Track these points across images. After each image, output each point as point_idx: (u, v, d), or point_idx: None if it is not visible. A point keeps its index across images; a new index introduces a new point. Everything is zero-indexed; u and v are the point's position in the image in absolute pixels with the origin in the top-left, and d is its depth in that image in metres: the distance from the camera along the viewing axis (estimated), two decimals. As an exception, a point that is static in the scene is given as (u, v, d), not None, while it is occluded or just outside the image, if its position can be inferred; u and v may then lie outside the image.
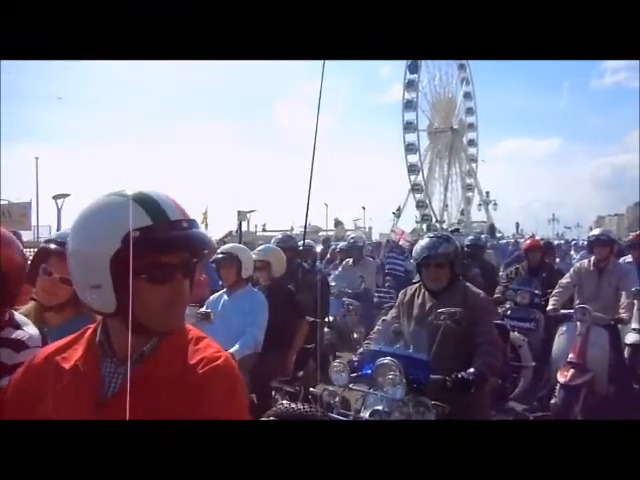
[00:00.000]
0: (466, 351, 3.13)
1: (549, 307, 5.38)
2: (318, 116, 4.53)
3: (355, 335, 6.83)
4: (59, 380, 1.22)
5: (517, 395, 5.26)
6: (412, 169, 74.25)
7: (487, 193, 77.23)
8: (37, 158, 34.65)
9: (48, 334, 1.78)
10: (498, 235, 40.53)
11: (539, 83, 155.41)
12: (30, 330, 1.74)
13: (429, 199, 74.92)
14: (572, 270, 5.69)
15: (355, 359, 3.26)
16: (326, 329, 5.89)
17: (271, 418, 3.07)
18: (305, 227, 4.72)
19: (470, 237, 8.25)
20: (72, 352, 1.26)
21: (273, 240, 6.08)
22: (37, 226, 26.37)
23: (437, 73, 74.33)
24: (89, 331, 1.28)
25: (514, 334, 5.40)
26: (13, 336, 1.67)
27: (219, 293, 4.62)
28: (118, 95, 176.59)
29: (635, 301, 5.63)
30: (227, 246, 4.87)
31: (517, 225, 55.14)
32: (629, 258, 7.06)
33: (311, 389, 4.70)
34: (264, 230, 45.68)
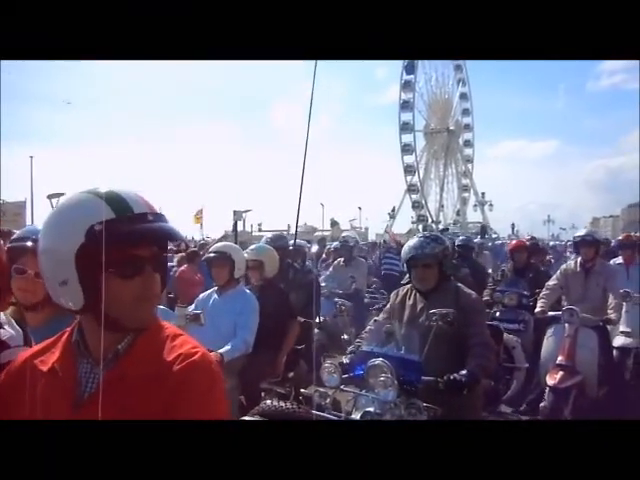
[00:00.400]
0: (458, 352, 3.11)
1: (537, 309, 5.34)
2: (310, 117, 4.52)
3: (345, 336, 6.80)
4: (37, 383, 1.21)
5: (510, 397, 5.23)
6: (408, 170, 74.39)
7: (483, 194, 77.49)
8: (32, 157, 34.56)
9: (33, 334, 1.76)
10: (494, 236, 40.59)
11: (535, 85, 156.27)
12: (11, 329, 1.72)
13: (425, 200, 75.08)
14: (559, 272, 5.63)
15: (346, 360, 3.24)
16: (316, 330, 5.86)
17: (255, 417, 3.05)
18: (296, 227, 4.71)
19: (460, 237, 8.24)
20: (50, 355, 1.25)
21: (264, 239, 6.06)
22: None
23: (433, 74, 74.65)
24: (67, 333, 1.28)
25: (508, 335, 5.37)
26: None
27: (209, 292, 4.54)
28: (114, 95, 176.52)
29: (624, 303, 5.62)
30: (219, 245, 4.81)
31: (513, 226, 55.18)
32: (619, 260, 7.05)
33: (302, 390, 4.68)
34: (260, 230, 45.67)
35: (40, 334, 1.55)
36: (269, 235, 6.26)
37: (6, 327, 1.72)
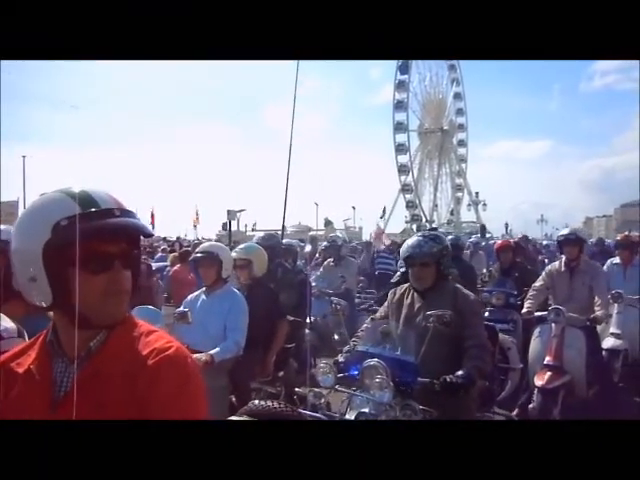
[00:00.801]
0: (454, 354, 3.11)
1: (524, 310, 5.31)
2: (293, 116, 4.53)
3: (336, 336, 6.78)
4: (13, 386, 1.20)
5: (504, 397, 5.21)
6: (402, 169, 74.42)
7: (477, 194, 77.55)
8: (24, 157, 34.42)
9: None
10: (487, 235, 40.70)
11: (529, 85, 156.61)
12: (5, 323, 1.74)
13: (419, 199, 75.11)
14: (544, 273, 5.60)
15: (341, 359, 3.22)
16: (306, 330, 5.86)
17: (243, 417, 3.03)
18: (283, 226, 4.72)
19: (449, 237, 8.25)
20: (26, 357, 1.25)
21: (255, 238, 6.06)
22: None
23: (427, 74, 74.67)
24: (43, 334, 1.27)
25: (503, 336, 5.36)
26: None
27: (197, 292, 4.52)
28: (111, 95, 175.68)
29: (615, 304, 5.63)
30: (206, 245, 4.79)
31: (506, 225, 55.32)
32: (616, 259, 7.06)
33: (297, 389, 4.68)
34: (254, 230, 45.60)
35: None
36: (261, 234, 6.27)
37: (1, 321, 1.74)
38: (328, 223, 49.83)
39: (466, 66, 75.65)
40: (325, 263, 8.14)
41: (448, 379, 2.87)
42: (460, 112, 78.74)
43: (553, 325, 4.84)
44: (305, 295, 5.95)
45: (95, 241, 1.13)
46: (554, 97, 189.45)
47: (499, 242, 7.80)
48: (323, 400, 3.01)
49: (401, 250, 3.52)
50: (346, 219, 55.97)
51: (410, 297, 3.42)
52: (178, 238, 27.71)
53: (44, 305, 1.17)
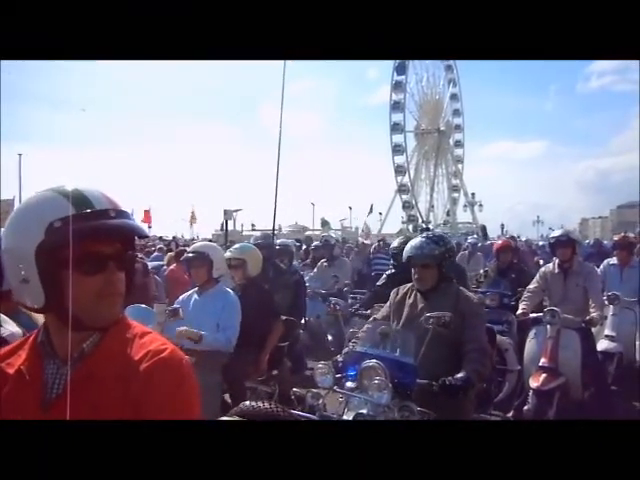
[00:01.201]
0: (454, 356, 3.10)
1: (519, 311, 5.28)
2: (281, 115, 4.54)
3: (329, 337, 6.80)
4: (2, 386, 1.19)
5: (501, 399, 5.20)
6: (399, 170, 74.49)
7: (473, 194, 77.66)
8: (20, 155, 34.37)
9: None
10: (485, 236, 40.81)
11: (526, 85, 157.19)
12: (11, 327, 1.75)
13: (415, 200, 75.20)
14: (538, 275, 5.56)
15: (340, 360, 3.22)
16: (300, 330, 5.87)
17: (234, 418, 3.02)
18: (273, 226, 4.72)
19: None
20: (17, 357, 1.23)
21: (252, 238, 6.07)
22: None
23: (424, 74, 74.76)
24: (34, 334, 1.26)
25: (501, 338, 5.34)
26: None
27: (189, 292, 4.55)
28: (107, 95, 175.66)
29: (610, 306, 5.62)
30: (198, 245, 4.82)
31: (502, 226, 55.45)
32: (613, 260, 7.05)
33: (294, 390, 4.68)
34: (253, 229, 45.62)
35: None
36: (257, 234, 6.30)
37: (5, 326, 1.74)
38: (324, 223, 49.94)
39: (463, 67, 75.98)
40: (319, 264, 8.15)
41: (447, 381, 2.86)
42: (457, 113, 78.91)
43: (548, 327, 4.82)
44: (300, 295, 5.97)
45: (89, 243, 1.12)
46: (550, 98, 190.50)
47: (499, 242, 7.78)
48: (321, 401, 3.00)
49: (404, 250, 3.53)
50: (342, 219, 56.10)
51: (413, 297, 3.42)
52: (174, 237, 27.70)
53: (35, 307, 1.16)
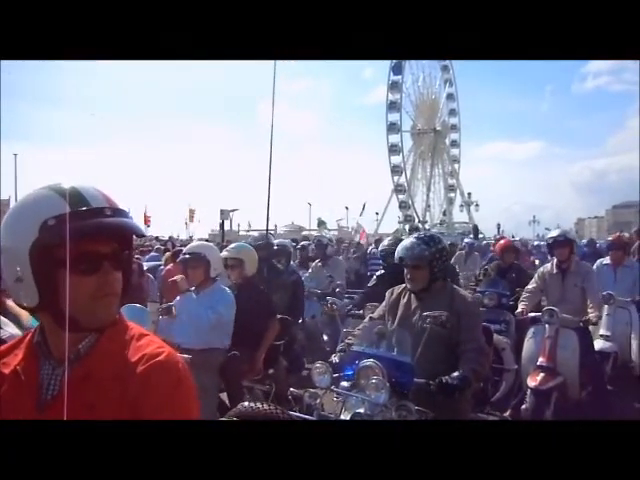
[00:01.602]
0: (451, 355, 3.11)
1: (518, 311, 5.30)
2: (273, 116, 4.54)
3: (325, 337, 6.79)
4: None
5: (498, 398, 5.20)
6: (395, 170, 74.54)
7: (469, 194, 77.77)
8: (16, 155, 34.29)
9: None
10: (480, 236, 40.92)
11: (522, 86, 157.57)
12: (11, 329, 1.75)
13: (412, 200, 75.28)
14: (536, 275, 5.59)
15: (336, 359, 3.22)
16: (299, 330, 5.88)
17: (232, 419, 3.02)
18: (267, 226, 4.73)
19: None
20: (13, 357, 1.22)
21: (250, 239, 6.07)
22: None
23: (421, 74, 74.86)
24: (30, 334, 1.25)
25: (498, 337, 5.35)
26: None
27: (186, 292, 4.51)
28: (105, 95, 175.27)
29: (605, 305, 5.63)
30: (194, 245, 4.81)
31: (498, 226, 55.51)
32: (606, 260, 7.07)
33: (292, 389, 4.67)
34: (249, 229, 45.62)
35: None
36: (255, 234, 6.31)
37: (6, 328, 1.75)
38: (321, 223, 49.97)
39: (459, 67, 76.08)
40: (313, 264, 8.15)
41: (444, 380, 2.87)
42: (453, 113, 79.02)
43: (547, 326, 4.84)
44: (298, 295, 5.97)
45: (84, 242, 1.09)
46: (546, 98, 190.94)
47: (502, 242, 7.79)
48: (318, 401, 3.00)
49: (396, 251, 3.52)
50: (339, 219, 56.19)
51: (407, 297, 3.43)
52: (170, 237, 27.68)
53: (29, 306, 1.15)
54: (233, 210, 30.26)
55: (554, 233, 5.57)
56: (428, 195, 77.55)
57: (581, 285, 5.19)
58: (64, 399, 1.02)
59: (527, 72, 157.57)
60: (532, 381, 4.61)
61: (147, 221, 41.74)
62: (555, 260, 5.40)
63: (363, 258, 12.30)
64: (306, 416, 2.94)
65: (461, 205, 78.77)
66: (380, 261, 10.21)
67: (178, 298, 4.53)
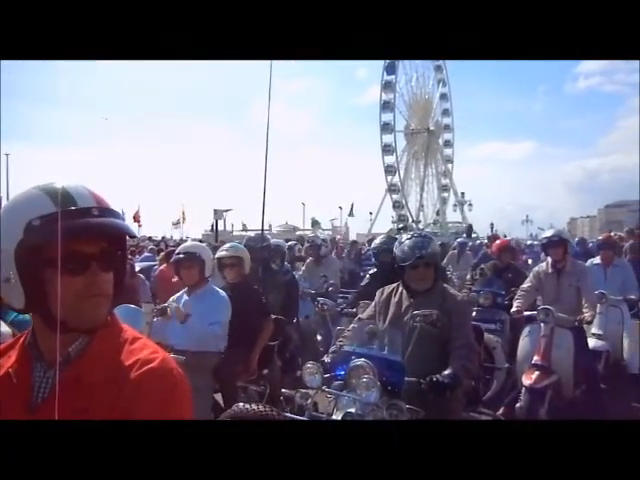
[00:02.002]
0: (441, 353, 3.12)
1: (513, 309, 5.32)
2: (269, 116, 4.55)
3: (319, 337, 6.79)
4: None
5: (490, 397, 5.22)
6: (389, 170, 74.61)
7: (462, 194, 77.90)
8: (7, 155, 34.09)
9: None
10: (473, 235, 41.03)
11: (514, 86, 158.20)
12: (3, 329, 1.72)
13: (405, 199, 75.36)
14: (531, 274, 5.60)
15: (328, 359, 3.22)
16: (293, 329, 5.87)
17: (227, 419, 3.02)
18: (262, 226, 4.73)
19: None
20: (6, 359, 1.21)
21: (245, 239, 6.06)
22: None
23: (414, 74, 74.97)
24: (24, 335, 1.24)
25: (489, 336, 5.37)
26: None
27: (179, 294, 4.51)
28: (98, 94, 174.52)
29: (598, 305, 5.65)
30: (187, 245, 4.77)
31: (492, 226, 55.65)
32: (597, 260, 7.10)
33: (283, 390, 4.67)
34: (244, 229, 45.49)
35: None
36: (251, 234, 6.29)
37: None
38: (315, 223, 49.96)
39: (452, 67, 76.25)
40: (306, 263, 8.15)
41: (435, 378, 2.89)
42: (446, 113, 79.17)
43: (542, 325, 4.85)
44: (292, 295, 5.96)
45: (70, 241, 1.07)
46: (539, 98, 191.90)
47: (499, 241, 7.80)
48: (310, 401, 3.00)
49: (401, 252, 3.41)
50: (333, 219, 56.21)
51: (398, 296, 3.42)
52: (163, 238, 27.62)
53: (17, 307, 1.13)
54: (227, 210, 30.22)
55: (548, 233, 5.60)
56: (421, 195, 77.73)
57: (576, 285, 5.20)
58: (55, 402, 1.01)
59: (520, 72, 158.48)
60: (527, 379, 4.64)
61: (138, 221, 41.57)
62: (550, 260, 5.43)
63: (357, 258, 12.31)
64: (298, 417, 2.94)
65: (454, 205, 79.00)
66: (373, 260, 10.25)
67: (171, 299, 4.50)
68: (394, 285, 3.51)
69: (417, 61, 71.67)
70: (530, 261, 12.32)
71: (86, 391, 1.10)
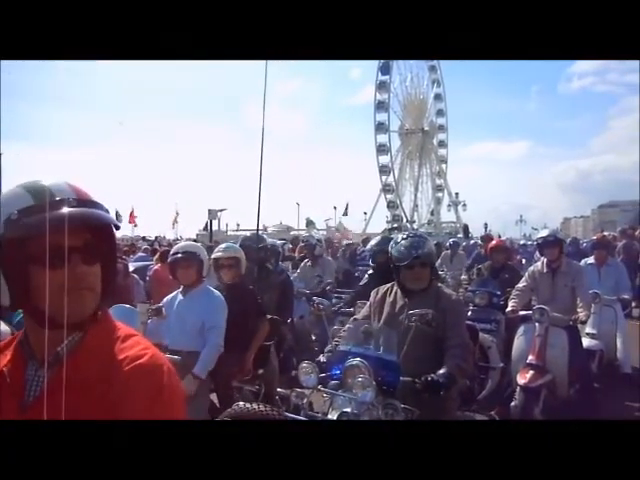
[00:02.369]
0: (436, 353, 3.13)
1: (508, 309, 5.34)
2: (264, 116, 4.56)
3: (314, 337, 6.79)
4: None
5: (484, 396, 5.23)
6: (383, 170, 74.68)
7: (457, 194, 78.08)
8: (1, 154, 33.88)
9: None
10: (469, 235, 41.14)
11: (508, 86, 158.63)
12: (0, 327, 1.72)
13: (400, 199, 75.42)
14: (527, 274, 5.63)
15: (323, 359, 3.22)
16: (287, 329, 5.87)
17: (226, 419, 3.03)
18: (257, 225, 4.73)
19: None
20: (1, 358, 1.20)
21: (240, 239, 6.05)
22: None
23: (408, 74, 75.04)
24: (19, 334, 1.23)
25: (483, 335, 5.37)
26: None
27: (174, 293, 4.45)
28: (93, 95, 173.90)
29: (592, 304, 5.69)
30: (183, 245, 4.73)
31: (486, 226, 55.78)
32: (590, 259, 7.13)
33: (279, 390, 4.67)
34: (238, 229, 45.42)
35: None
36: (247, 234, 6.29)
37: None
38: (309, 223, 49.96)
39: (446, 67, 76.42)
40: (302, 263, 8.14)
41: (430, 378, 2.89)
42: (440, 113, 79.30)
43: (537, 324, 4.87)
44: (287, 295, 5.96)
45: (49, 234, 1.04)
46: (533, 98, 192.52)
47: (493, 242, 7.82)
48: (305, 400, 3.00)
49: (397, 252, 3.43)
50: (327, 219, 56.23)
51: (393, 296, 3.43)
52: (157, 237, 27.56)
53: (5, 305, 1.12)
54: (221, 210, 30.14)
55: (544, 233, 5.65)
56: (416, 195, 77.78)
57: (571, 284, 5.23)
58: (46, 401, 1.00)
59: (514, 72, 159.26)
60: (521, 379, 4.65)
61: (132, 221, 41.44)
62: (545, 260, 5.45)
63: (352, 258, 12.31)
64: (301, 418, 2.95)
65: (449, 205, 79.22)
66: (369, 261, 10.27)
67: (166, 299, 4.47)
68: (389, 285, 3.52)
69: (411, 61, 71.94)
70: (524, 261, 12.36)
71: (77, 389, 1.08)
